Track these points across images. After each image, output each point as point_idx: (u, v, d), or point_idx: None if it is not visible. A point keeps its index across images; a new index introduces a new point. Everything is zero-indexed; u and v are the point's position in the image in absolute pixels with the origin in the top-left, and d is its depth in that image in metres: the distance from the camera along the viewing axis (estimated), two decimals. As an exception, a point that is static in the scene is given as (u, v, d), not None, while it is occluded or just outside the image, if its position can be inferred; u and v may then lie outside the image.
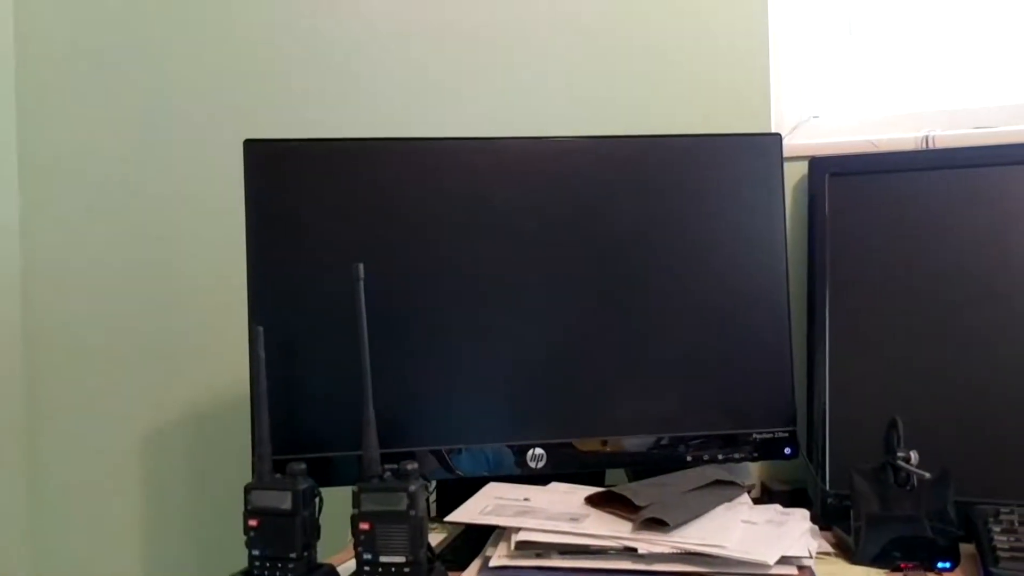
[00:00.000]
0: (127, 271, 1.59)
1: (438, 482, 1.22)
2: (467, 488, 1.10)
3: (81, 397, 1.61)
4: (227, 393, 1.56)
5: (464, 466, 1.17)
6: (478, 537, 1.03)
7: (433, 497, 1.25)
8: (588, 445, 1.18)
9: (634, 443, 1.19)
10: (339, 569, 0.98)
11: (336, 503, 1.04)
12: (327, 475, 1.11)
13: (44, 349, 1.62)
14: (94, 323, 1.60)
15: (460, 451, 1.16)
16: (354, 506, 0.89)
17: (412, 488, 0.88)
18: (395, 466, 0.91)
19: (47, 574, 1.62)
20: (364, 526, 0.89)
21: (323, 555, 1.04)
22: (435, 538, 1.15)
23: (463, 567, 0.99)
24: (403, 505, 0.88)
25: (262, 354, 0.96)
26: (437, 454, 1.16)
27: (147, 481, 1.59)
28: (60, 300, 1.61)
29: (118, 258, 1.59)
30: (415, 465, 0.90)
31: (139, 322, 1.59)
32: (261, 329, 0.96)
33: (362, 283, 0.93)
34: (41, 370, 1.62)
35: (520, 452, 1.17)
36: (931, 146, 1.31)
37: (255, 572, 0.92)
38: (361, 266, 0.94)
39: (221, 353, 1.56)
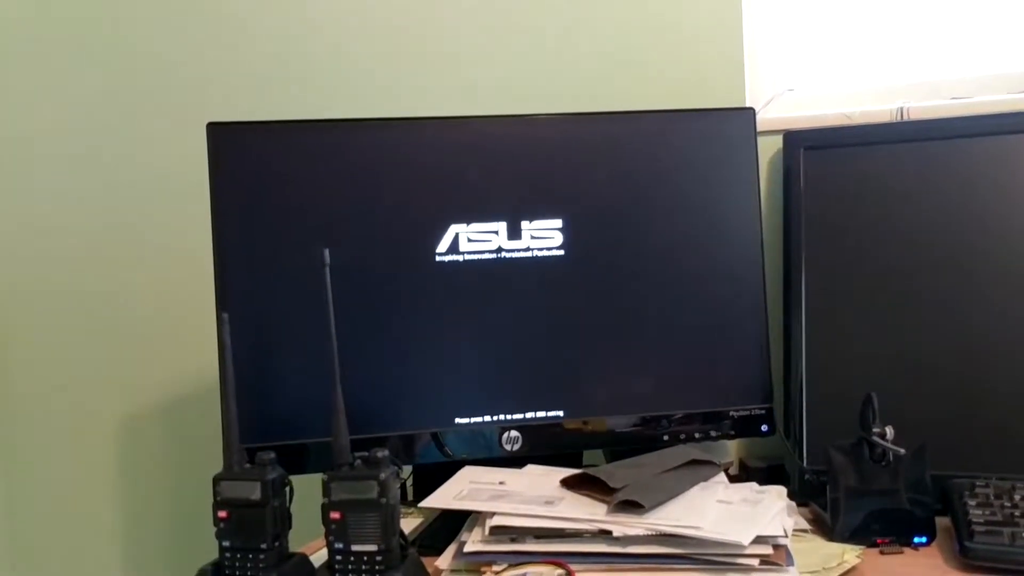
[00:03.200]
0: (95, 255, 1.56)
1: (415, 466, 1.21)
2: (445, 471, 1.09)
3: (53, 383, 1.58)
4: (201, 377, 1.54)
5: (438, 450, 1.15)
6: (455, 520, 1.02)
7: (410, 481, 1.25)
8: (564, 426, 1.17)
9: (610, 423, 1.18)
10: (312, 558, 0.97)
11: (311, 490, 1.02)
12: (300, 462, 1.10)
13: (12, 335, 1.59)
14: (63, 308, 1.57)
15: (434, 435, 1.15)
16: (324, 495, 0.88)
17: (383, 476, 0.87)
18: (365, 453, 0.89)
19: (22, 561, 1.60)
20: (335, 515, 0.87)
21: (297, 543, 1.03)
22: (412, 522, 1.14)
23: (440, 551, 0.98)
24: (374, 493, 0.87)
25: (228, 341, 0.94)
26: (410, 439, 1.15)
27: (123, 468, 1.58)
28: (25, 285, 1.58)
29: (86, 241, 1.56)
30: (386, 452, 0.89)
31: (110, 306, 1.57)
32: (227, 316, 0.94)
33: (328, 268, 0.92)
34: (10, 357, 1.59)
35: (495, 434, 1.16)
36: (905, 118, 1.30)
37: (226, 564, 0.91)
38: (327, 251, 0.92)
39: (194, 337, 1.54)
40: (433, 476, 1.10)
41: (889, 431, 1.03)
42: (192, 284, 1.54)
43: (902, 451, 1.01)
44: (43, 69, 1.57)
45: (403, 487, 1.25)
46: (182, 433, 1.56)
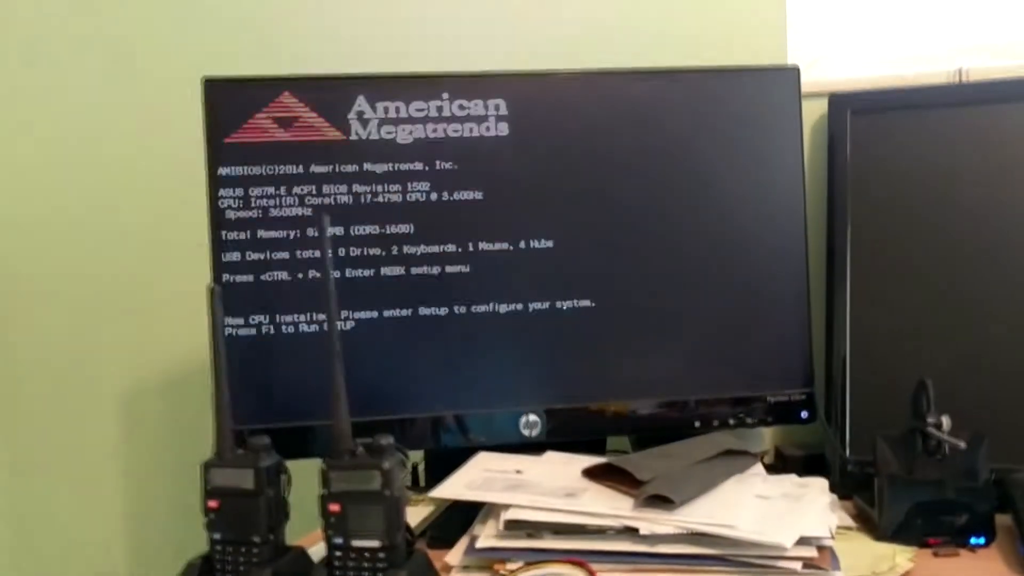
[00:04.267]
0: (91, 221, 1.50)
1: (427, 450, 1.14)
2: (458, 456, 1.02)
3: (53, 356, 1.53)
4: (206, 352, 1.48)
5: (451, 436, 1.08)
6: (470, 509, 0.94)
7: (422, 466, 1.17)
8: (587, 410, 1.09)
9: (636, 407, 1.10)
10: (312, 551, 0.89)
11: (314, 476, 0.95)
12: (303, 446, 1.03)
13: (12, 310, 1.54)
14: (61, 278, 1.52)
15: (447, 419, 1.07)
16: (322, 486, 0.80)
17: (386, 465, 0.79)
18: (369, 439, 0.81)
19: (26, 537, 1.56)
20: (333, 508, 0.80)
21: (297, 535, 0.96)
22: (423, 511, 1.07)
23: (453, 544, 0.92)
24: (376, 484, 0.79)
25: (222, 315, 0.86)
26: (421, 423, 1.07)
27: (125, 445, 1.53)
28: (22, 254, 1.52)
29: (82, 206, 1.50)
30: (390, 439, 0.81)
31: (111, 280, 1.50)
32: (219, 288, 0.86)
33: (328, 236, 0.83)
34: (9, 330, 1.54)
35: (513, 419, 1.08)
36: (964, 80, 1.21)
37: (216, 557, 0.84)
38: (328, 218, 0.84)
39: (198, 311, 1.47)
40: (447, 461, 1.03)
41: (946, 421, 0.95)
42: (196, 255, 1.46)
43: (962, 444, 0.92)
44: (34, 35, 1.50)
45: (414, 472, 1.18)
46: (185, 409, 1.50)
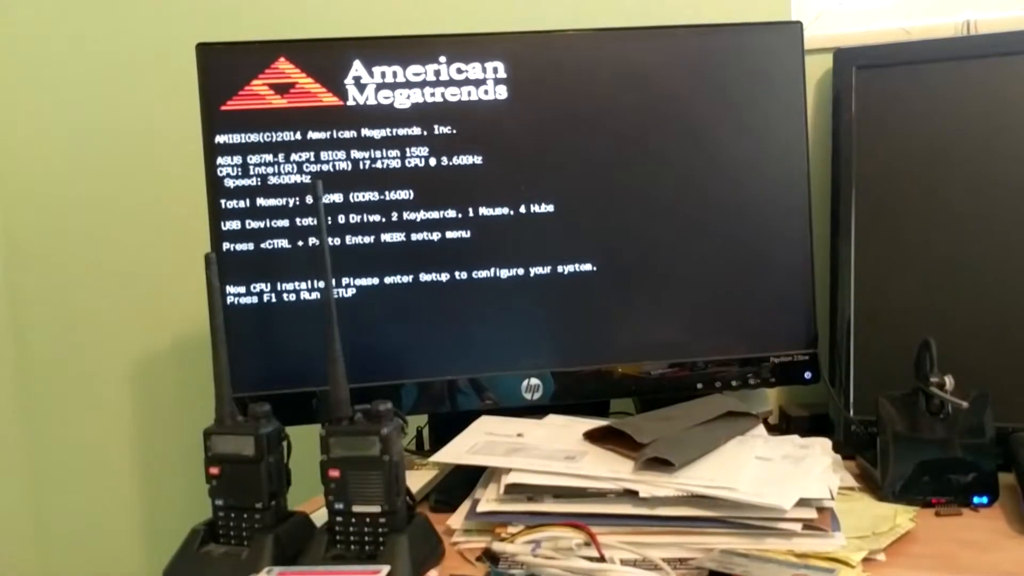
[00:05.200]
0: (100, 189, 1.49)
1: (432, 415, 1.14)
2: (464, 419, 1.02)
3: (66, 324, 1.54)
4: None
5: (454, 400, 1.08)
6: (474, 472, 0.94)
7: (427, 430, 1.18)
8: (590, 373, 1.09)
9: (640, 370, 1.09)
10: (315, 516, 0.90)
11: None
12: (305, 412, 1.03)
13: (25, 273, 1.54)
14: (74, 248, 1.52)
15: (450, 384, 1.07)
16: (322, 451, 0.81)
17: (385, 431, 0.79)
18: (367, 406, 0.81)
19: (44, 504, 1.58)
20: (333, 473, 0.80)
21: (305, 498, 0.97)
22: (427, 474, 1.07)
23: (456, 507, 0.92)
24: (375, 450, 0.79)
25: (217, 283, 0.86)
26: (425, 388, 1.07)
27: (138, 411, 1.54)
28: (36, 224, 1.52)
29: (91, 174, 1.49)
30: (388, 404, 0.81)
31: (121, 247, 1.50)
32: (214, 255, 0.86)
33: (322, 201, 0.83)
34: (24, 298, 1.54)
35: (515, 383, 1.08)
36: (972, 32, 1.18)
37: (219, 523, 0.85)
38: (320, 183, 0.83)
39: (201, 276, 1.47)
40: (451, 424, 1.03)
41: (948, 381, 0.94)
42: (202, 218, 1.46)
43: (964, 404, 0.91)
44: (35, 6, 1.49)
45: (419, 436, 1.18)
46: (196, 376, 1.50)
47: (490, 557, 0.82)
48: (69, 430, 1.56)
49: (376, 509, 0.80)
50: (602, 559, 0.78)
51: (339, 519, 0.81)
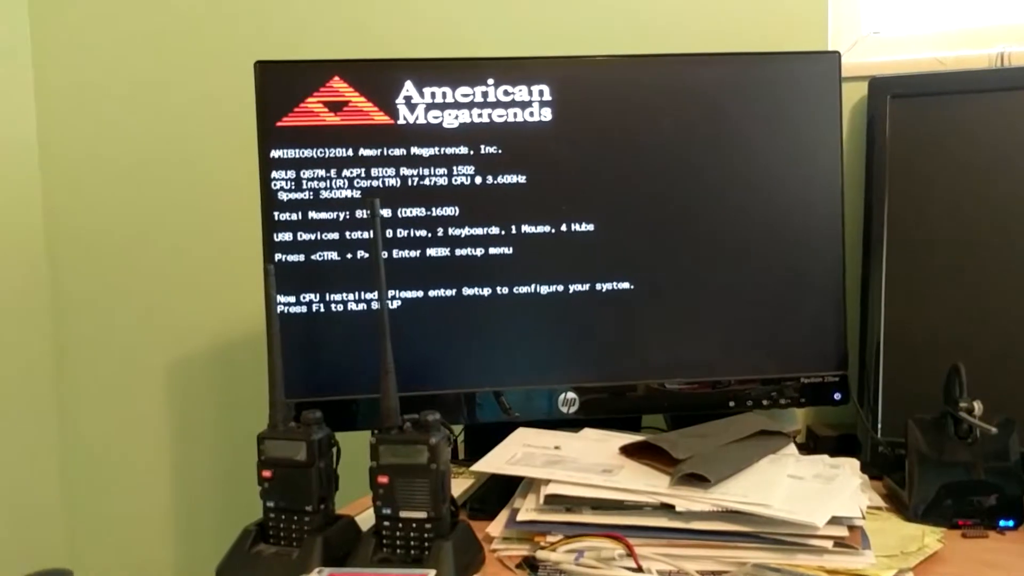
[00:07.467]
0: (146, 194, 1.53)
1: (467, 425, 1.17)
2: (498, 430, 1.05)
3: (106, 329, 1.57)
4: (254, 322, 1.51)
5: (492, 411, 1.11)
6: (509, 482, 0.97)
7: (461, 439, 1.21)
8: (624, 389, 1.12)
9: (674, 387, 1.12)
10: (359, 519, 0.93)
11: (362, 446, 0.99)
12: (350, 419, 1.06)
13: (68, 276, 1.58)
14: (117, 252, 1.55)
15: (488, 395, 1.10)
16: (372, 458, 0.84)
17: (433, 440, 0.83)
18: (415, 416, 0.85)
19: (77, 505, 1.61)
20: (382, 479, 0.83)
21: (346, 501, 1.00)
22: (463, 483, 1.10)
23: (492, 515, 0.95)
24: (423, 459, 0.82)
25: (275, 294, 0.90)
26: (463, 398, 1.10)
27: (173, 415, 1.57)
28: (82, 224, 1.56)
29: (137, 180, 1.54)
30: (436, 415, 0.84)
31: (160, 249, 1.54)
32: (272, 267, 0.90)
33: (379, 218, 0.86)
34: (66, 301, 1.58)
35: (551, 396, 1.11)
36: (1006, 64, 1.20)
37: (270, 524, 0.88)
38: (377, 200, 0.87)
39: (246, 281, 1.50)
40: (486, 435, 1.06)
41: (978, 406, 0.96)
42: (244, 226, 1.49)
43: (993, 429, 0.93)
44: (94, 12, 1.53)
45: (455, 446, 1.21)
46: (233, 378, 1.53)
47: (529, 564, 0.84)
48: (106, 431, 1.59)
49: (422, 515, 0.83)
50: (640, 570, 0.81)
51: (386, 523, 0.84)
